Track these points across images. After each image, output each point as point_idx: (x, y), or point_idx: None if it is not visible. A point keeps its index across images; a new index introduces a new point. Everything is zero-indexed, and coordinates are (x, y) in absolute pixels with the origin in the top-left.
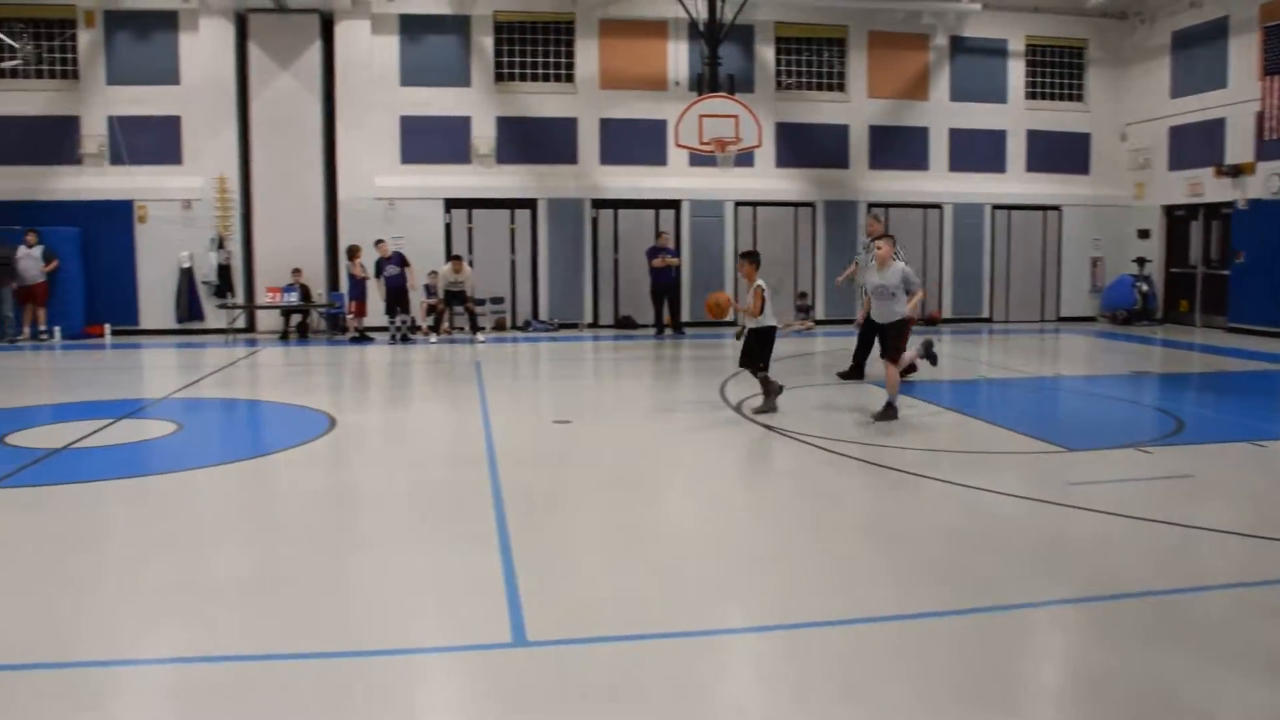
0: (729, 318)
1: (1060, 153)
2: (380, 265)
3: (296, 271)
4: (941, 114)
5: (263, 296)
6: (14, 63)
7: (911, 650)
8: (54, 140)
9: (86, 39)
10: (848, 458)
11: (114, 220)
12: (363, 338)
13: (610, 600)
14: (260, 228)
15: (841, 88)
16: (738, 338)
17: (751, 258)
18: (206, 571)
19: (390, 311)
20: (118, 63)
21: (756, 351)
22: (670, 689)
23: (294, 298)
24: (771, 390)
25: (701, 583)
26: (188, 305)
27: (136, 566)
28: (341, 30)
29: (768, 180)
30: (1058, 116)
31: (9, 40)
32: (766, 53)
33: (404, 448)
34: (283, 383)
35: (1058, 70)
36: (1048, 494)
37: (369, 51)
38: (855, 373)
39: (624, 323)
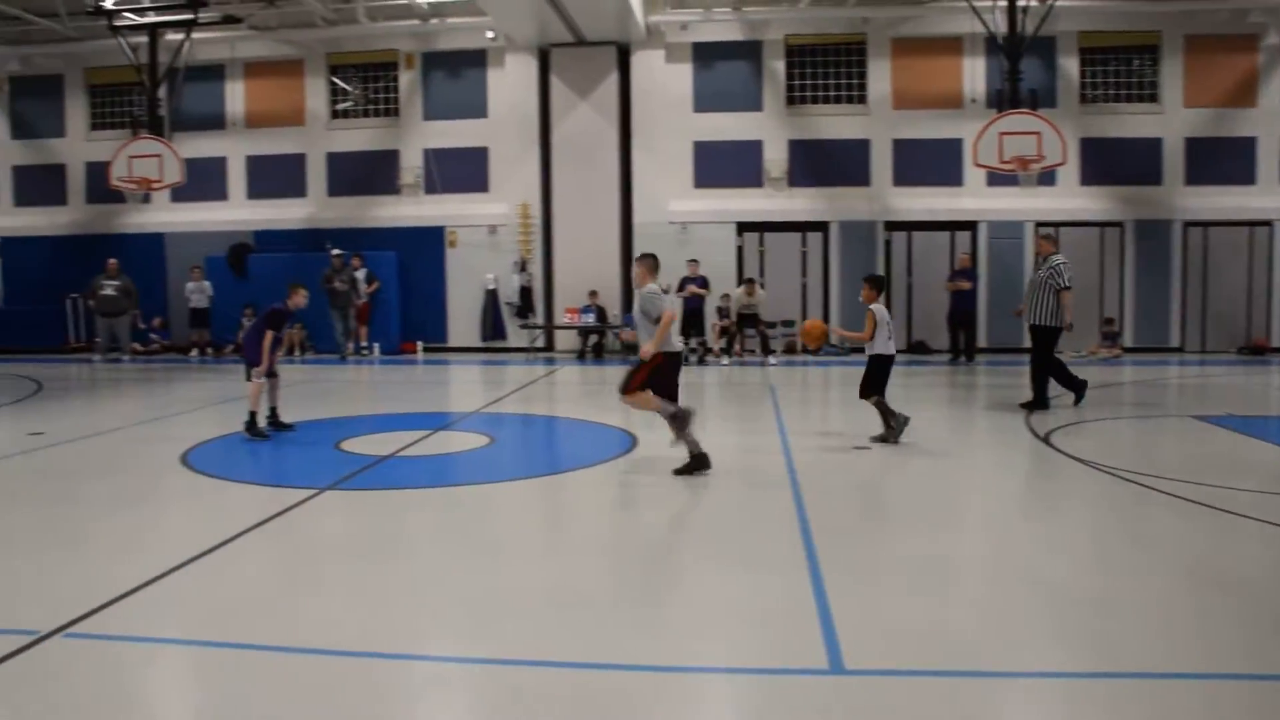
0: (834, 342)
1: None
2: (684, 282)
3: (593, 293)
4: (1272, 121)
5: (561, 317)
6: (346, 104)
7: (1243, 714)
8: (377, 172)
9: (406, 79)
10: (1168, 495)
11: (427, 245)
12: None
13: (925, 633)
14: (560, 251)
15: (1154, 98)
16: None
17: (873, 281)
18: (517, 579)
19: (685, 333)
20: (433, 100)
21: (871, 379)
22: None
23: (591, 319)
24: (892, 422)
25: (1015, 620)
26: (492, 325)
27: (450, 570)
28: (637, 60)
29: (1072, 199)
30: None
31: (343, 84)
32: (1070, 65)
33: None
34: (582, 401)
35: None
36: None
37: (663, 80)
38: (1043, 403)
39: (917, 348)
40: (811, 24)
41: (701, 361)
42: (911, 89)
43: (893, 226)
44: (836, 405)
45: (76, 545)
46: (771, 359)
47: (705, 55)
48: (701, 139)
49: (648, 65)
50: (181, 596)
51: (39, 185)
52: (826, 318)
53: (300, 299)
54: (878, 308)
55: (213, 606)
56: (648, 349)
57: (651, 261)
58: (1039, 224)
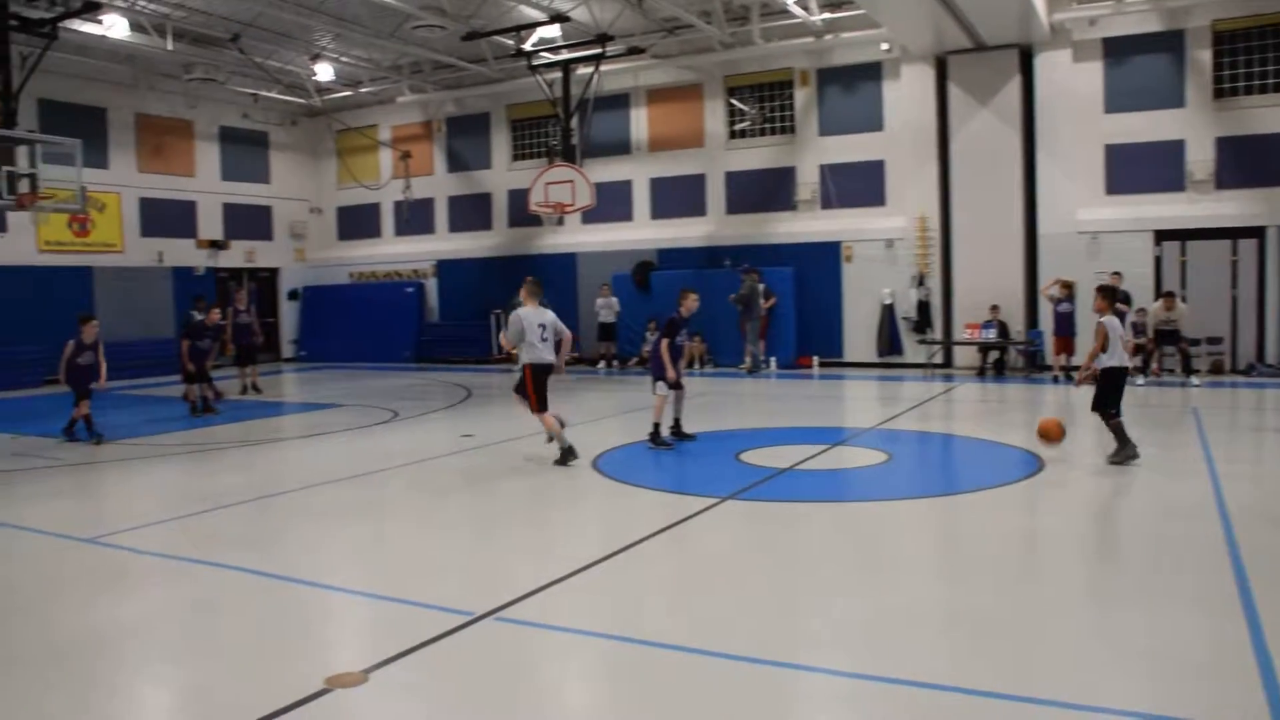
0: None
1: None
2: None
3: (994, 308)
4: None
5: (960, 333)
6: (743, 124)
7: None
8: (774, 189)
9: (802, 96)
10: None
11: (823, 260)
12: (1066, 377)
13: None
14: (959, 265)
15: None
16: (1077, 385)
17: (1105, 293)
18: (911, 599)
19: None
20: (828, 115)
21: (1103, 394)
22: None
23: (992, 334)
24: (1123, 439)
25: None
26: (888, 340)
27: (844, 585)
28: (1041, 62)
29: None
30: None
31: (740, 105)
32: None
33: (1119, 494)
34: (982, 420)
35: None
36: None
37: (1070, 80)
38: None
39: None
40: (1244, 4)
41: None
42: None
43: None
44: (1273, 433)
45: (504, 538)
46: (1194, 379)
47: (1117, 51)
48: (1114, 141)
49: (1053, 66)
50: (593, 592)
51: (469, 212)
52: (1262, 334)
53: (692, 303)
54: (1110, 319)
55: (620, 603)
56: (504, 341)
57: (532, 286)
58: None
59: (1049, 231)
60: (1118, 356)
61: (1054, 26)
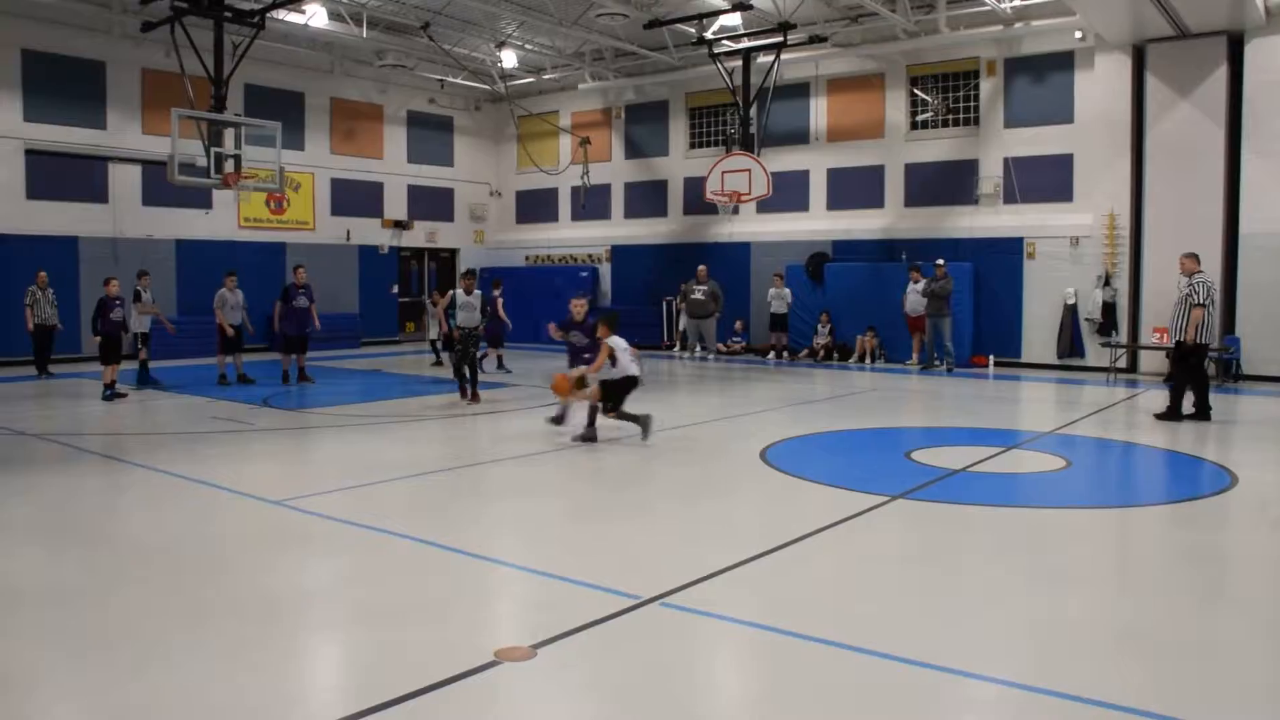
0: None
1: None
2: None
3: None
4: None
5: (1148, 337)
6: (925, 115)
7: None
8: (954, 182)
9: (987, 87)
10: None
11: (1004, 256)
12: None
13: None
14: (1149, 265)
15: None
16: (578, 387)
17: (606, 319)
18: (1082, 612)
19: None
20: (1014, 106)
21: (611, 396)
22: None
23: None
24: (640, 421)
25: None
26: (1069, 341)
27: (1012, 593)
28: (1253, 49)
29: None
30: None
31: (922, 95)
32: None
33: None
34: (1170, 429)
35: None
36: None
37: None
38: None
39: None
40: None
41: None
42: None
43: None
44: None
45: (670, 524)
46: None
47: None
48: None
49: (1266, 53)
50: (759, 583)
51: (644, 199)
52: None
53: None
54: (614, 339)
55: (785, 597)
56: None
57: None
58: None
59: (1252, 232)
60: (622, 369)
61: (1270, 10)
